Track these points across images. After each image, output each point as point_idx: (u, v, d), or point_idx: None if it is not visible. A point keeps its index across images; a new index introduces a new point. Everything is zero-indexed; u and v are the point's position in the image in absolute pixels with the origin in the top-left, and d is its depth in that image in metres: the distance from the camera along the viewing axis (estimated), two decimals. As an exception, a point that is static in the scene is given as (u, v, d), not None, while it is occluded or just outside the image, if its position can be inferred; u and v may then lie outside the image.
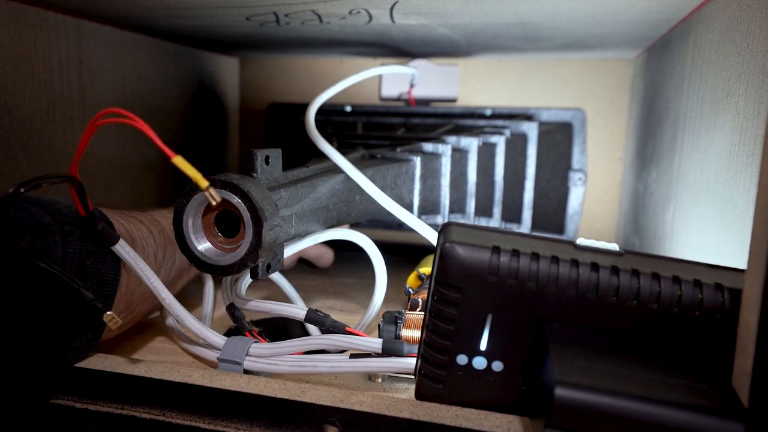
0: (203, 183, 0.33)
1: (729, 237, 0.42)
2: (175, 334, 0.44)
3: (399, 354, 0.37)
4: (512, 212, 0.71)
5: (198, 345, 0.41)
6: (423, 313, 0.39)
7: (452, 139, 0.65)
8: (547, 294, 0.29)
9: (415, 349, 0.37)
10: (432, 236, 0.47)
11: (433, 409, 0.32)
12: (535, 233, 0.37)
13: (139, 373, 0.35)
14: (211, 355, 0.39)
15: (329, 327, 0.40)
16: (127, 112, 0.33)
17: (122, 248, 0.37)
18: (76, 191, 0.35)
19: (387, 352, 0.37)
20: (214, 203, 0.34)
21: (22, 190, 0.32)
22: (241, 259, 0.36)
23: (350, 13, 0.56)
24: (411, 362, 0.36)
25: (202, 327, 0.39)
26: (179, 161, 0.31)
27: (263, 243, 0.36)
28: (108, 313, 0.35)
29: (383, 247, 0.47)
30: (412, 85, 0.76)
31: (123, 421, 0.35)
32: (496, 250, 0.30)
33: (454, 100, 0.80)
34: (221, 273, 0.37)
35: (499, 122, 0.72)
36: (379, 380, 0.41)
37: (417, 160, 0.60)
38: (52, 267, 0.32)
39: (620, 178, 0.86)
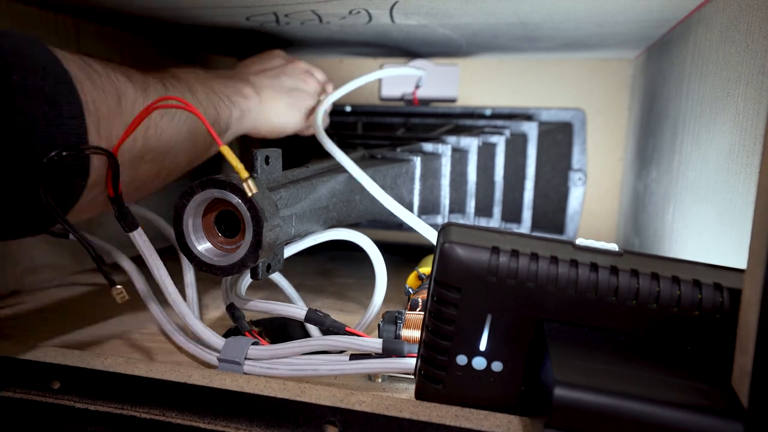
0: (243, 174, 0.34)
1: (729, 237, 0.42)
2: (168, 330, 0.44)
3: (399, 354, 0.37)
4: (512, 212, 0.71)
5: (196, 346, 0.41)
6: (423, 313, 0.39)
7: (452, 139, 0.65)
8: (547, 294, 0.29)
9: (415, 348, 0.37)
10: (433, 236, 0.47)
11: (433, 409, 0.32)
12: (534, 233, 0.38)
13: (139, 373, 0.35)
14: (210, 358, 0.39)
15: (329, 327, 0.40)
16: (182, 99, 0.35)
17: (139, 236, 0.38)
18: (111, 170, 0.35)
19: (387, 352, 0.37)
20: (250, 194, 0.35)
21: (53, 154, 0.30)
22: (241, 259, 0.36)
23: (350, 13, 0.56)
24: (411, 362, 0.36)
25: (203, 327, 0.39)
26: (225, 150, 0.34)
27: (263, 243, 0.36)
28: (117, 287, 0.35)
29: (383, 247, 0.47)
30: (417, 86, 0.76)
31: (123, 421, 0.35)
32: (496, 250, 0.30)
33: (454, 100, 0.80)
34: (221, 273, 0.37)
35: (499, 122, 0.72)
36: (379, 380, 0.41)
37: (417, 160, 0.60)
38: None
39: (620, 178, 0.86)
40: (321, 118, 0.54)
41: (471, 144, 0.65)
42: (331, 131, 0.72)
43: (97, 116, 0.34)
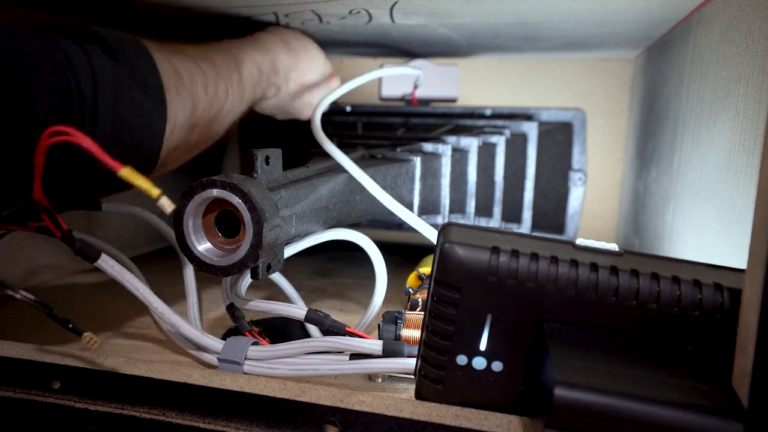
0: (154, 193, 0.32)
1: (729, 237, 0.42)
2: (174, 338, 0.44)
3: (399, 356, 0.37)
4: (512, 212, 0.71)
5: (197, 350, 0.41)
6: (423, 313, 0.39)
7: (452, 139, 0.65)
8: (547, 294, 0.29)
9: (415, 350, 0.37)
10: (433, 236, 0.47)
11: (433, 409, 0.32)
12: (534, 233, 0.38)
13: (139, 373, 0.35)
14: (210, 358, 0.39)
15: (329, 327, 0.40)
16: (71, 129, 0.31)
17: (105, 263, 0.36)
18: (46, 214, 0.34)
19: (387, 353, 0.37)
20: (168, 211, 0.33)
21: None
22: (242, 259, 0.36)
23: (350, 13, 0.56)
24: (411, 362, 0.36)
25: (199, 333, 0.39)
26: (126, 173, 0.31)
27: (263, 243, 0.36)
28: (86, 333, 0.34)
29: (383, 247, 0.47)
30: (416, 86, 0.76)
31: (123, 421, 0.35)
32: (496, 250, 0.30)
33: (454, 100, 0.80)
34: (222, 273, 0.37)
35: (499, 122, 0.72)
36: (379, 380, 0.41)
37: (417, 160, 0.60)
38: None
39: (620, 178, 0.86)
40: (319, 119, 0.54)
41: (471, 144, 0.65)
42: (331, 131, 0.72)
43: (176, 89, 0.44)
